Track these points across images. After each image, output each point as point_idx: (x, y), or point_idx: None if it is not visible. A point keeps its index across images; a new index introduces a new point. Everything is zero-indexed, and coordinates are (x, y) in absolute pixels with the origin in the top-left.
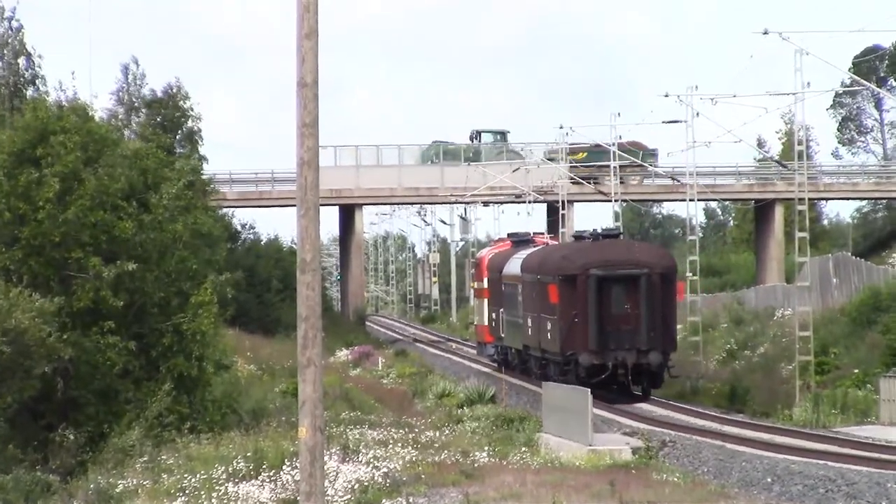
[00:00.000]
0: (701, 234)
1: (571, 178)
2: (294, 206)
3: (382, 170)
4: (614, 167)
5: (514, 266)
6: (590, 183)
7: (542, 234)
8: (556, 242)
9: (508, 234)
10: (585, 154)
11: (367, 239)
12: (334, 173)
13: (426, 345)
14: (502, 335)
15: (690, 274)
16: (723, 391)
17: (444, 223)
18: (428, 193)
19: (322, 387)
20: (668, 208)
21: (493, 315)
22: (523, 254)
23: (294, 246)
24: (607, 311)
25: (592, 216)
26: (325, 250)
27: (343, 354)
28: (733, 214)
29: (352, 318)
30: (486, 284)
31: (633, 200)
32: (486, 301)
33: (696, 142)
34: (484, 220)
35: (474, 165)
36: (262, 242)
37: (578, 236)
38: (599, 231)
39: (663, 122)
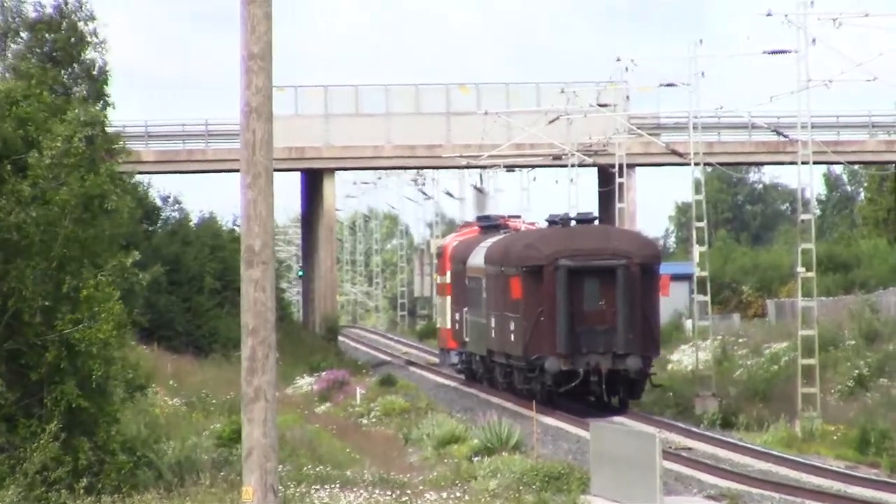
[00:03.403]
0: (819, 212)
1: (633, 132)
2: (237, 171)
3: (363, 120)
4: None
5: (478, 256)
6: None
7: (518, 217)
8: (536, 228)
9: (477, 218)
10: None
11: (342, 219)
12: (295, 125)
13: (424, 369)
14: (466, 339)
15: (803, 269)
16: (849, 436)
17: (452, 196)
18: (428, 154)
19: (276, 429)
20: (771, 174)
21: (457, 316)
22: (489, 242)
23: (237, 228)
24: (579, 309)
25: (663, 185)
26: (283, 235)
27: (306, 383)
28: (865, 184)
29: (319, 331)
30: (448, 279)
31: (721, 164)
32: (448, 299)
33: (811, 80)
34: (508, 191)
35: (492, 115)
36: (191, 223)
37: (551, 221)
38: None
39: (765, 53)
